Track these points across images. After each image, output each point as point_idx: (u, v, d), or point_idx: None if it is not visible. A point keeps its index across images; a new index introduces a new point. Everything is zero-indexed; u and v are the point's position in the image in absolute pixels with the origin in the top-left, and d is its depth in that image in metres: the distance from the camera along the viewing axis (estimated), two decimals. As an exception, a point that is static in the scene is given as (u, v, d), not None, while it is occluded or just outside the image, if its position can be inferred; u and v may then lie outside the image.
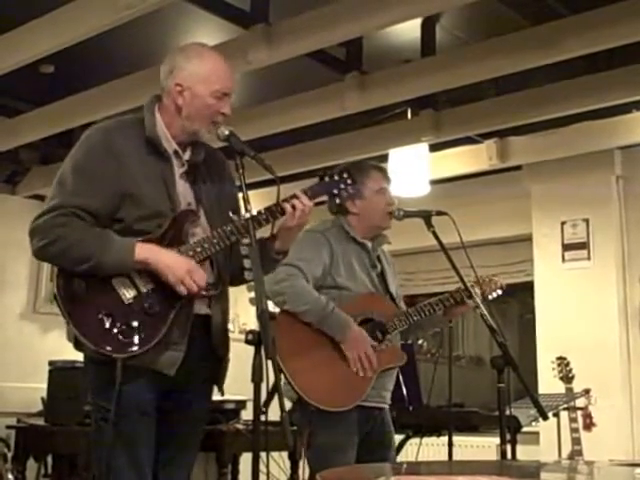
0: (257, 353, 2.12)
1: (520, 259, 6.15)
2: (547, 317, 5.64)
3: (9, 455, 4.67)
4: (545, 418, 2.87)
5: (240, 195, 2.33)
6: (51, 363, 4.83)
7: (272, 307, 2.69)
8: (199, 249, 2.31)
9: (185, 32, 4.13)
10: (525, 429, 3.87)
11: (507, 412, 2.77)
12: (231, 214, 2.35)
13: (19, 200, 5.94)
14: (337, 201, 2.61)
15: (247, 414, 4.55)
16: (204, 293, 2.31)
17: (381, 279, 3.14)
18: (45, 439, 4.76)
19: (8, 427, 4.91)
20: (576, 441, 4.25)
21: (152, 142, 2.36)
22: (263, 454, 2.14)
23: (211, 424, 4.21)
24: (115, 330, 2.21)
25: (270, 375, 2.08)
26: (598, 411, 4.58)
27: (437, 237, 2.93)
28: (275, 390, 2.09)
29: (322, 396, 2.81)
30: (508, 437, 2.82)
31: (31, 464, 4.88)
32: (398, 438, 3.53)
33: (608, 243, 5.51)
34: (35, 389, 5.06)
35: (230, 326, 2.53)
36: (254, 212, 2.30)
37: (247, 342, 2.14)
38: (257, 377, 2.11)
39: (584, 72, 4.39)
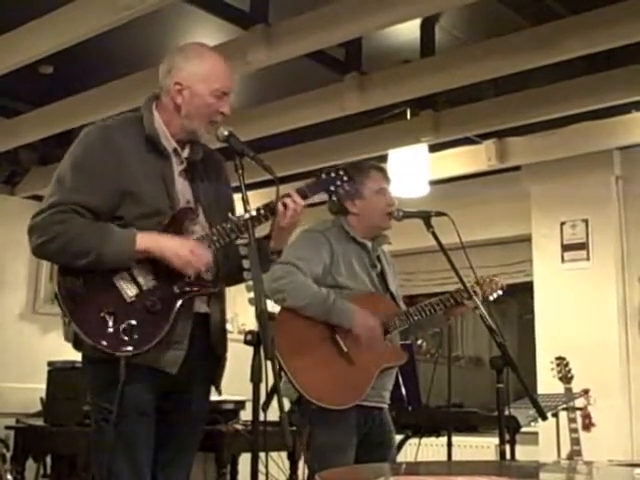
0: (256, 353, 2.12)
1: (519, 259, 6.15)
2: (546, 317, 5.63)
3: (8, 455, 4.65)
4: (544, 418, 2.86)
5: (238, 196, 2.32)
6: (50, 363, 4.83)
7: (271, 307, 2.68)
8: None
9: (184, 33, 4.12)
10: (524, 429, 3.88)
11: (506, 412, 2.77)
12: (230, 215, 2.35)
13: (18, 201, 5.93)
14: (334, 198, 2.60)
15: (246, 414, 4.55)
16: (207, 286, 2.30)
17: (381, 279, 3.14)
18: (44, 439, 4.75)
19: (7, 427, 4.92)
20: (575, 441, 4.24)
21: (151, 140, 2.35)
22: (262, 454, 2.14)
23: (210, 424, 4.21)
24: (117, 329, 2.20)
25: (269, 375, 2.08)
26: (597, 411, 4.57)
27: (437, 238, 2.93)
28: (275, 390, 2.08)
29: (323, 394, 2.81)
30: (507, 437, 2.83)
31: (30, 464, 4.88)
32: (397, 438, 3.53)
33: (607, 243, 5.50)
34: (34, 389, 5.05)
35: (229, 326, 2.53)
36: (253, 212, 2.30)
37: (246, 342, 2.13)
38: (256, 377, 2.10)
39: (583, 72, 4.39)
